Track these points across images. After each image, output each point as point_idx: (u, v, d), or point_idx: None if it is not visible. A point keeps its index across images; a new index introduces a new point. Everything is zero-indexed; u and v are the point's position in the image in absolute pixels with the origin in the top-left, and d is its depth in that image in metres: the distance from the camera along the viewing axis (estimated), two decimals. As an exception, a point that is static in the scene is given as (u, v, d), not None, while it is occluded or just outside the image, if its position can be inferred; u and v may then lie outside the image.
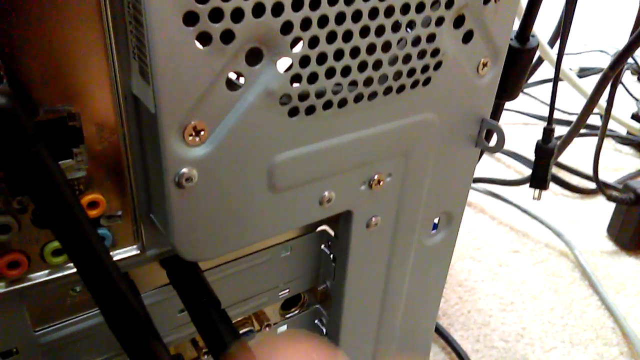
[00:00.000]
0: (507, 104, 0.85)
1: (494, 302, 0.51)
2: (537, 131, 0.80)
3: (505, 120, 0.85)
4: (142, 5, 0.16)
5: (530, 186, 0.36)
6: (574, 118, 0.81)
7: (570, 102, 0.81)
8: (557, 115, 0.84)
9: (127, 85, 0.19)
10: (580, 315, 0.51)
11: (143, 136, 0.20)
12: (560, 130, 0.70)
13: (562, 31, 0.36)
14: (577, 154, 0.76)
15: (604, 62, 1.00)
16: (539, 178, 0.35)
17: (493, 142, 0.28)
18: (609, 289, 0.54)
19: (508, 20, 0.24)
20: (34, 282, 0.20)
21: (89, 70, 0.18)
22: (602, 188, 0.55)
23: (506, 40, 0.25)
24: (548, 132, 0.35)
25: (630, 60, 1.00)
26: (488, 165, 0.73)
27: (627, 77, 1.02)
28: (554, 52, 0.65)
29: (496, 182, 0.64)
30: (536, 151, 0.35)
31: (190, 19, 0.17)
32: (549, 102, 0.89)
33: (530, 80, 0.94)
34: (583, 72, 0.98)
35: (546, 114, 0.85)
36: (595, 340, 0.49)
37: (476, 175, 0.67)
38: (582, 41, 1.20)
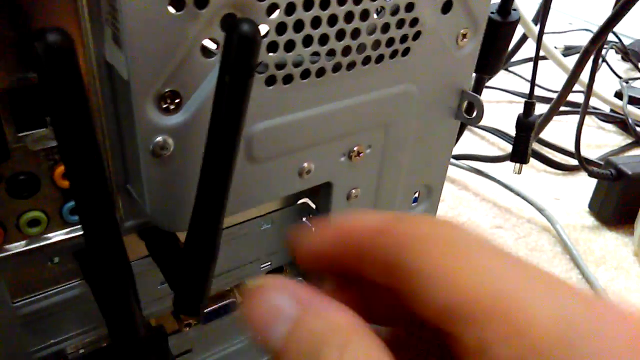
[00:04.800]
0: (492, 82, 0.85)
1: (476, 277, 0.52)
2: (521, 109, 0.80)
3: (490, 97, 0.85)
4: (112, -32, 0.16)
5: (511, 160, 0.37)
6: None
7: (554, 80, 0.82)
8: (541, 93, 0.84)
9: (101, 52, 0.18)
10: (561, 288, 0.52)
11: (118, 104, 0.19)
12: (544, 108, 0.71)
13: (544, 6, 0.36)
14: (560, 131, 0.76)
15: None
16: (520, 152, 0.36)
17: (473, 114, 0.28)
18: (589, 263, 0.55)
19: (487, -10, 0.24)
20: (11, 252, 0.20)
21: (62, 38, 0.18)
22: (584, 164, 0.55)
23: (485, 11, 0.25)
24: (529, 106, 0.35)
25: (614, 38, 1.00)
26: (472, 142, 0.74)
27: (611, 55, 1.02)
28: (537, 29, 0.66)
29: (480, 158, 0.65)
30: (517, 125, 0.36)
31: (163, -17, 0.16)
32: (528, 78, 0.88)
33: (515, 59, 0.94)
34: (568, 51, 0.98)
35: (526, 91, 0.84)
36: (575, 312, 0.50)
37: (460, 152, 0.67)
38: (567, 20, 1.20)
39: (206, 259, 0.20)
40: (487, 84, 0.81)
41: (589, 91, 0.50)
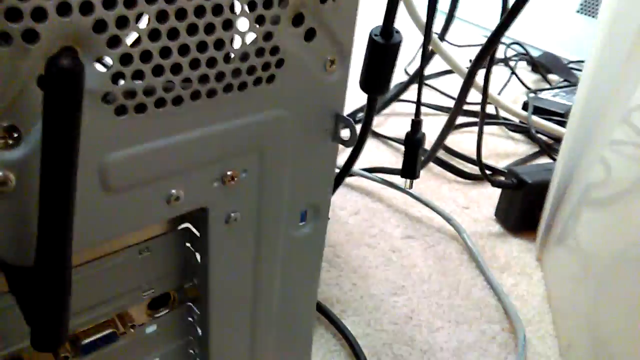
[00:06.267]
0: (406, 95, 0.87)
1: (386, 287, 0.53)
2: (435, 121, 0.83)
3: (403, 110, 0.87)
4: None
5: (402, 176, 0.38)
6: (474, 108, 0.85)
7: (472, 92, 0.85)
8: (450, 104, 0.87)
9: None
10: (467, 295, 0.54)
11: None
12: (461, 120, 0.73)
13: (427, 22, 0.37)
14: (472, 141, 0.79)
15: (503, 52, 1.05)
16: (409, 168, 0.37)
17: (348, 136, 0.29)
18: (494, 269, 0.58)
19: (350, 18, 0.25)
20: None
21: None
22: (485, 174, 0.58)
23: (351, 38, 0.26)
24: (415, 124, 0.36)
25: (521, 50, 1.06)
26: (385, 155, 0.76)
27: (522, 67, 1.08)
28: (445, 45, 0.68)
29: (391, 171, 0.66)
30: (405, 142, 0.37)
31: (-16, 18, 0.16)
32: (450, 93, 0.92)
33: (430, 72, 0.97)
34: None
35: (447, 104, 0.88)
36: (480, 318, 0.52)
37: (373, 164, 0.69)
38: (481, 32, 1.25)
39: (56, 294, 0.20)
40: (401, 97, 0.84)
41: (484, 100, 0.53)
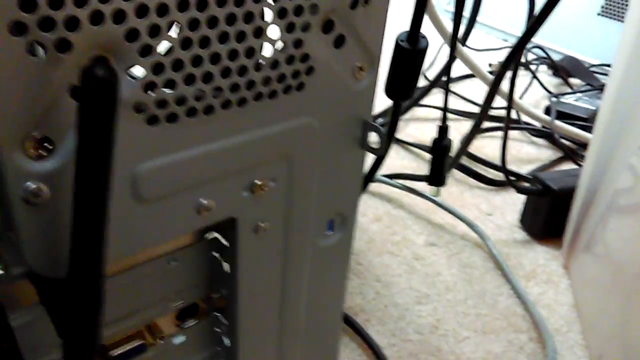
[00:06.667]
0: (428, 100, 0.86)
1: (410, 296, 0.53)
2: (458, 127, 0.82)
3: (426, 115, 0.87)
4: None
5: (429, 183, 0.37)
6: (496, 112, 0.84)
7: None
8: (473, 109, 0.86)
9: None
10: (493, 304, 0.53)
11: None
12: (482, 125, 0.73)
13: (453, 29, 0.37)
14: (495, 147, 0.78)
15: (524, 56, 1.04)
16: (436, 175, 0.36)
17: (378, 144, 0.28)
18: (520, 277, 0.57)
19: (380, 24, 0.25)
20: None
21: None
22: (510, 180, 0.57)
23: (380, 44, 0.26)
24: (442, 130, 0.36)
25: (542, 53, 1.05)
26: (408, 160, 0.75)
27: (543, 71, 1.06)
28: (467, 51, 0.67)
29: (413, 177, 0.66)
30: (432, 149, 0.36)
31: (18, 28, 0.16)
32: (470, 97, 0.91)
33: (453, 76, 0.96)
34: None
35: (467, 109, 0.87)
36: (507, 328, 0.51)
37: (393, 170, 0.68)
38: (502, 37, 1.24)
39: (89, 306, 0.19)
40: (423, 103, 0.83)
41: (509, 106, 0.52)
